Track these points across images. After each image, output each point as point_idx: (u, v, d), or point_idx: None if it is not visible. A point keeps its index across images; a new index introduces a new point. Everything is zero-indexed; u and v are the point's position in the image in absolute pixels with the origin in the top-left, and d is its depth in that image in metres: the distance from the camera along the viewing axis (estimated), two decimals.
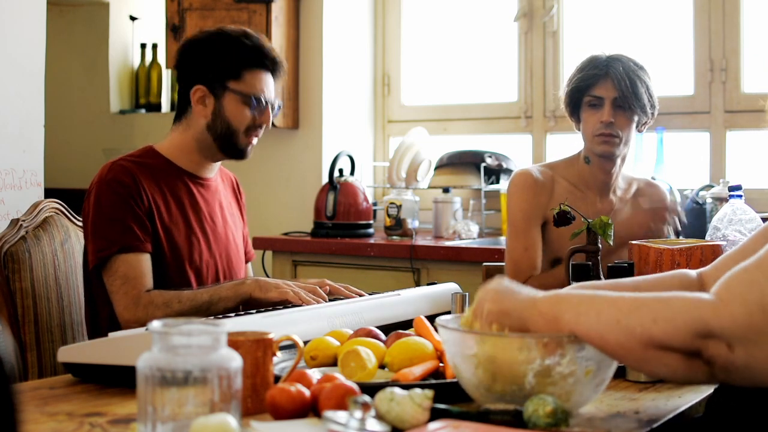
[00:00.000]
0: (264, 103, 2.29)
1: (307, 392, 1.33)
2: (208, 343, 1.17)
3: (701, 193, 3.32)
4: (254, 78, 2.28)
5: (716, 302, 1.23)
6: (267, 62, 2.30)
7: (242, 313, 1.85)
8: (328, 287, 2.18)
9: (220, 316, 1.86)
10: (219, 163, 2.42)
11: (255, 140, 2.33)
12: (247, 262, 2.50)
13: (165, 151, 2.32)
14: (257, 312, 1.83)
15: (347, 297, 2.14)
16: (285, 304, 2.03)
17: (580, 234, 2.04)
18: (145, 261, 2.17)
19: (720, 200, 3.15)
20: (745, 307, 1.21)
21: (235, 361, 1.18)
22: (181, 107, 2.34)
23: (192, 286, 2.24)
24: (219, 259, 2.33)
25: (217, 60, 2.28)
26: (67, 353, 1.64)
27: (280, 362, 1.54)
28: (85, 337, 2.30)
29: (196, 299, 2.11)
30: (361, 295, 2.16)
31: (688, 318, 1.23)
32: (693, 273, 1.61)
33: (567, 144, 3.99)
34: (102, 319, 2.20)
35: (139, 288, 2.13)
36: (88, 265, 2.19)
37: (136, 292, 2.13)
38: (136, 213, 2.17)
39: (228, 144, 2.30)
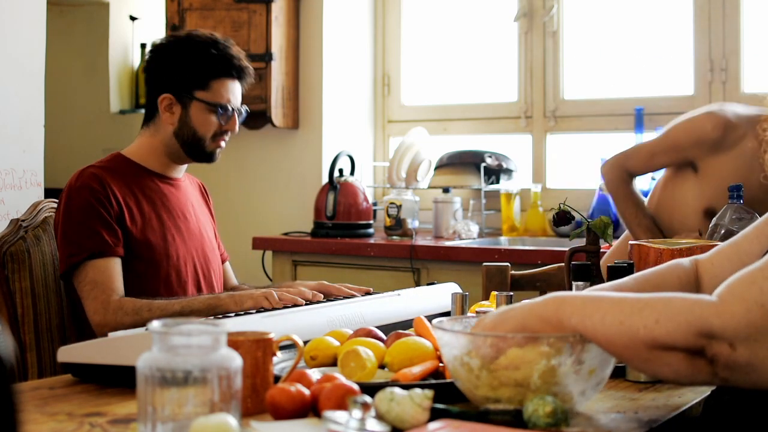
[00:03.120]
0: (231, 110, 2.33)
1: (307, 392, 1.33)
2: (208, 343, 1.17)
3: None
4: (221, 87, 2.32)
5: (717, 302, 1.24)
6: (234, 71, 2.34)
7: (242, 313, 1.85)
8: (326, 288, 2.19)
9: (221, 316, 1.86)
10: (186, 165, 2.45)
11: (223, 144, 2.37)
12: (222, 262, 2.51)
13: (133, 156, 2.36)
14: (257, 312, 1.83)
15: (347, 296, 2.15)
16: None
17: (580, 234, 2.04)
18: (115, 266, 2.18)
19: None
20: (744, 305, 1.21)
21: (235, 361, 1.18)
22: (149, 111, 2.38)
23: (172, 284, 2.26)
24: (195, 255, 2.34)
25: (185, 69, 2.31)
26: (67, 353, 1.64)
27: (280, 362, 1.54)
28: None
29: (167, 309, 2.11)
30: (366, 292, 2.16)
31: (690, 317, 1.23)
32: (686, 262, 1.61)
33: (567, 144, 4.00)
34: (85, 323, 2.21)
35: (108, 293, 2.14)
36: (59, 271, 2.21)
37: (105, 297, 2.14)
38: (105, 218, 2.19)
39: (195, 150, 2.35)
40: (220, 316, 1.84)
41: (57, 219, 2.24)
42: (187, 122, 2.32)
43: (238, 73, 2.35)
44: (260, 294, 2.08)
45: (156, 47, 2.37)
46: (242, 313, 1.85)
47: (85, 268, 2.17)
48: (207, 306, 2.11)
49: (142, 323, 2.04)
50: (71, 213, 2.20)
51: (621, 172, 2.83)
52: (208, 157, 2.36)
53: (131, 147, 2.39)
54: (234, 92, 2.34)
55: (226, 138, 2.37)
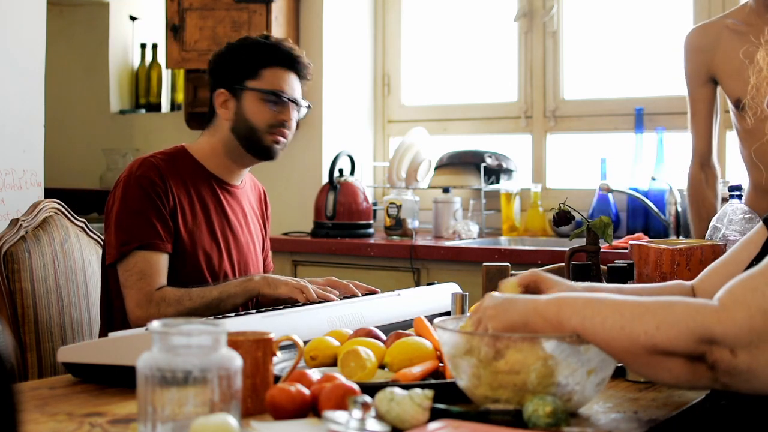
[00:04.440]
0: (284, 99, 2.29)
1: (307, 392, 1.33)
2: (208, 343, 1.17)
3: None
4: (272, 75, 2.29)
5: (718, 308, 1.23)
6: (286, 60, 2.31)
7: (242, 313, 1.85)
8: (336, 284, 2.20)
9: (221, 315, 1.86)
10: (247, 171, 2.41)
11: (282, 140, 2.31)
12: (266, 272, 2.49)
13: (195, 153, 2.33)
14: (257, 312, 1.83)
15: (354, 294, 2.15)
16: (293, 301, 2.04)
17: (580, 234, 2.04)
18: (163, 260, 2.18)
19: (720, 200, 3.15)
20: (747, 311, 1.21)
21: (235, 361, 1.18)
22: (209, 113, 2.36)
23: None
24: (237, 268, 2.32)
25: (235, 62, 2.30)
26: (67, 353, 1.65)
27: (280, 362, 1.54)
28: (86, 337, 2.31)
29: (205, 296, 2.12)
30: (371, 291, 2.17)
31: (691, 323, 1.23)
32: (687, 283, 1.63)
33: (567, 144, 4.00)
34: (117, 314, 2.21)
35: (153, 285, 2.14)
36: (106, 258, 2.20)
37: (150, 289, 2.14)
38: (161, 212, 2.18)
39: (252, 144, 2.30)
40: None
41: (110, 205, 2.22)
42: (242, 114, 2.28)
43: (291, 63, 2.31)
44: (296, 285, 2.10)
45: (217, 51, 2.38)
46: (242, 313, 1.85)
47: (134, 258, 2.15)
48: (243, 289, 2.13)
49: (185, 313, 2.07)
50: (127, 201, 2.18)
51: (694, 170, 2.89)
52: (266, 151, 2.30)
53: (194, 144, 2.36)
54: (288, 82, 2.30)
55: (286, 132, 2.31)
